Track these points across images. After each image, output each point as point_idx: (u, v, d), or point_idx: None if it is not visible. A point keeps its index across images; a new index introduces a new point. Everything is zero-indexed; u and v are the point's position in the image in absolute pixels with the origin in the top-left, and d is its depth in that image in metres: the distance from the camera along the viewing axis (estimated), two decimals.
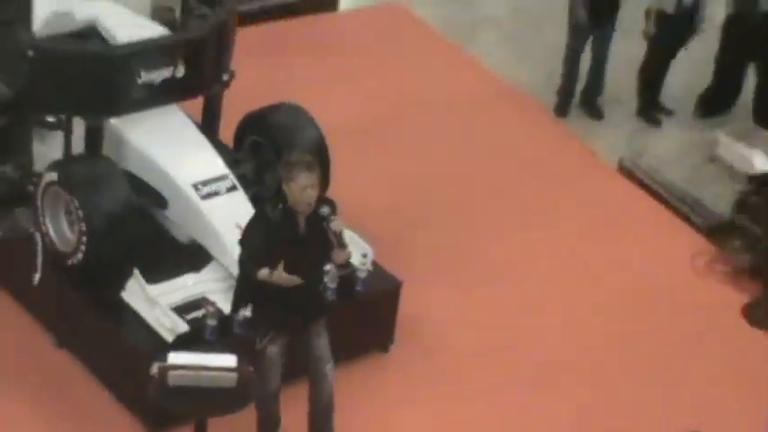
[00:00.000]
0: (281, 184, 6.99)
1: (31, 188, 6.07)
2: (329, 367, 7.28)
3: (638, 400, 8.21)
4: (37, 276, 6.37)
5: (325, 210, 6.95)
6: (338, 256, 7.02)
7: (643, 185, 10.15)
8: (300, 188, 6.90)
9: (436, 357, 8.34)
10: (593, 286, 9.11)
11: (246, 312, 7.54)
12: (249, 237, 7.13)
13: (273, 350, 7.16)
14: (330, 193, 8.51)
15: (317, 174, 6.95)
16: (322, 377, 7.30)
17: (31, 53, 5.75)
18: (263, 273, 6.95)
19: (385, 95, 10.53)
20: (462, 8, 12.21)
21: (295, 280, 6.94)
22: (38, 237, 7.16)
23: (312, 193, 6.93)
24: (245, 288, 7.24)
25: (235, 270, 7.87)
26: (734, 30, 10.88)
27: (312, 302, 7.20)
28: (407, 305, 8.26)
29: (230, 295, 7.82)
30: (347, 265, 7.43)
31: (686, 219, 9.87)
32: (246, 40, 8.88)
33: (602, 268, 9.30)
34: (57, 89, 7.31)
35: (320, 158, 8.54)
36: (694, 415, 7.89)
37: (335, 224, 6.96)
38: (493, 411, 8.06)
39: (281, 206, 6.98)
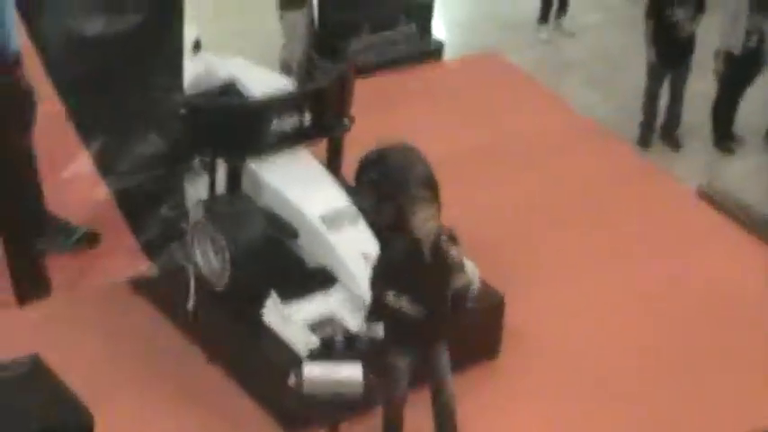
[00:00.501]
0: (405, 217, 6.98)
1: (184, 226, 6.20)
2: (449, 380, 7.23)
3: (717, 400, 8.07)
4: (191, 303, 6.48)
5: (444, 240, 6.92)
6: (459, 281, 6.97)
7: (721, 209, 10.00)
8: (422, 220, 6.88)
9: (538, 363, 8.30)
10: (677, 302, 8.93)
11: (378, 331, 7.56)
12: (380, 264, 7.14)
13: (401, 363, 7.14)
14: None
15: (437, 206, 6.94)
16: (443, 390, 7.26)
17: (183, 111, 5.90)
18: (391, 297, 6.96)
19: (485, 136, 10.50)
20: (550, 53, 12.18)
21: (418, 310, 6.92)
22: (190, 269, 7.29)
23: (433, 225, 6.91)
24: (377, 308, 7.24)
25: (358, 291, 7.95)
26: None
27: (435, 326, 7.13)
28: (510, 316, 8.25)
29: (355, 314, 7.86)
30: (466, 289, 7.30)
31: (761, 237, 9.69)
32: (363, 90, 8.93)
33: (685, 286, 9.12)
34: (204, 138, 7.44)
35: (432, 192, 8.62)
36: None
37: (456, 253, 6.92)
38: (592, 412, 7.99)
39: (405, 238, 7.00)
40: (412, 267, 6.95)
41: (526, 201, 9.77)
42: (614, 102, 11.30)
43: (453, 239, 6.95)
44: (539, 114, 11.03)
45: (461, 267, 6.94)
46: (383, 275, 7.06)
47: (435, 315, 7.05)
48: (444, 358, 7.23)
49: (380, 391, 6.94)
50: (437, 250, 6.95)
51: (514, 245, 9.07)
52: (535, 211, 9.66)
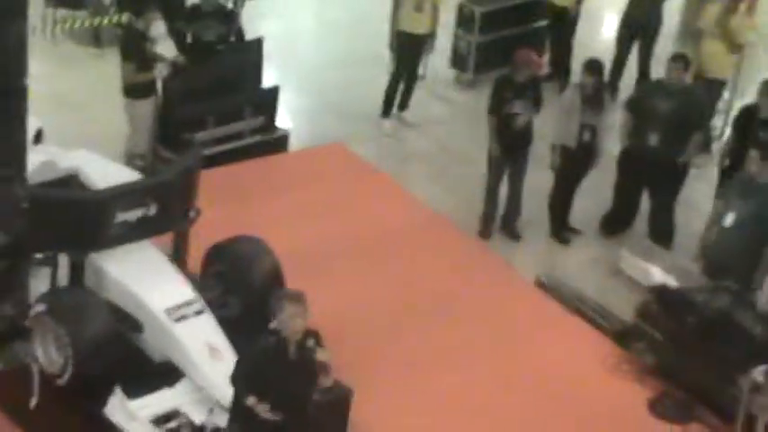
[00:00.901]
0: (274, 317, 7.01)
1: (26, 323, 6.14)
2: None
3: None
4: (34, 400, 6.39)
5: (311, 341, 6.97)
6: (324, 381, 7.03)
7: (558, 298, 10.27)
8: (289, 317, 6.92)
9: None
10: (516, 386, 9.15)
11: (218, 421, 7.55)
12: (243, 361, 7.14)
13: None
14: None
15: (304, 305, 6.98)
16: None
17: (26, 205, 5.86)
18: (251, 400, 6.95)
19: (331, 227, 10.60)
20: (394, 145, 12.39)
21: (275, 417, 6.93)
22: (34, 367, 7.20)
23: (300, 322, 6.95)
24: (236, 409, 7.18)
25: (203, 384, 7.91)
26: (628, 161, 11.12)
27: (296, 424, 7.14)
28: (358, 412, 8.29)
29: (201, 407, 7.84)
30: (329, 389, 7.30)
31: (595, 325, 9.99)
32: (209, 181, 8.98)
33: (523, 370, 9.35)
34: (47, 232, 7.38)
35: (276, 282, 8.67)
36: None
37: (322, 354, 6.98)
38: None
39: (273, 337, 7.00)
40: (277, 367, 6.98)
41: (367, 293, 9.88)
42: (456, 194, 11.53)
43: (318, 339, 7.00)
44: (383, 205, 11.19)
45: (327, 369, 6.98)
46: (245, 376, 7.06)
47: (295, 418, 7.07)
48: None
49: None
50: (302, 350, 7.00)
51: (357, 339, 9.16)
52: (376, 304, 9.77)
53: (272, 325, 7.00)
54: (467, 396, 9.04)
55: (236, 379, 7.16)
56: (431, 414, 8.80)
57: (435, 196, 11.48)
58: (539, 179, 11.16)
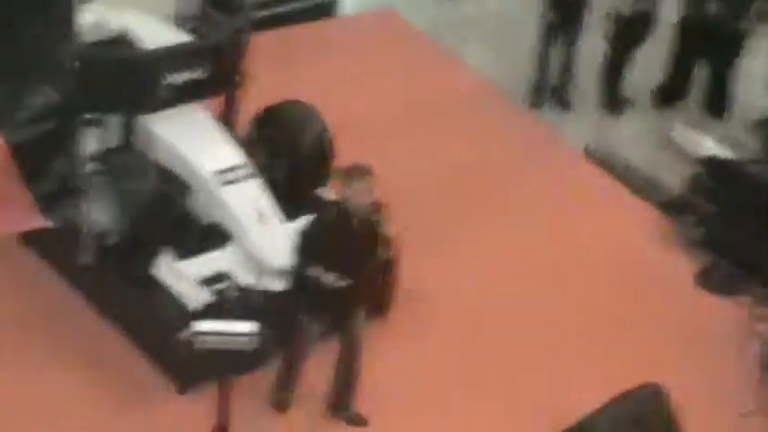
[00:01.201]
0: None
1: (78, 180, 6.22)
2: (360, 347, 7.41)
3: (604, 358, 8.32)
4: (83, 256, 6.50)
5: (376, 216, 7.03)
6: (384, 253, 7.16)
7: (607, 169, 10.25)
8: (355, 192, 6.97)
9: (427, 321, 8.47)
10: (564, 259, 9.19)
11: (265, 283, 7.66)
12: (308, 232, 7.17)
13: (314, 327, 7.27)
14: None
15: (371, 181, 7.01)
16: (354, 355, 7.42)
17: (77, 64, 5.88)
18: (316, 270, 7.03)
19: (378, 93, 10.58)
20: (446, 11, 12.27)
21: (339, 283, 7.02)
22: (84, 224, 7.29)
23: (366, 198, 6.99)
24: (299, 279, 7.24)
25: (251, 247, 8.01)
26: (685, 30, 10.97)
27: (356, 297, 7.25)
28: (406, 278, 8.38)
29: (249, 270, 7.94)
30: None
31: (644, 196, 9.98)
32: (258, 46, 8.95)
33: (570, 242, 9.38)
34: (97, 92, 7.40)
35: (324, 150, 8.69)
36: (653, 370, 8.00)
37: (386, 228, 7.08)
38: (474, 365, 8.21)
39: (336, 208, 7.04)
40: (339, 237, 7.02)
41: (416, 162, 9.89)
42: (509, 62, 11.44)
43: (383, 212, 7.06)
44: (434, 73, 11.15)
45: (389, 242, 7.02)
46: (309, 247, 7.09)
47: (356, 286, 7.16)
48: (359, 326, 7.36)
49: (274, 347, 7.02)
50: (366, 223, 7.03)
51: (404, 206, 9.18)
52: (425, 171, 9.79)
53: (338, 196, 7.02)
54: (513, 262, 9.11)
55: (300, 249, 7.18)
56: (475, 278, 8.87)
57: (487, 64, 11.41)
58: (592, 48, 11.04)
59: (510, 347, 8.36)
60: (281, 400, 7.60)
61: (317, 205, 8.25)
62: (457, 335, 8.43)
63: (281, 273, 7.92)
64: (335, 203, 7.13)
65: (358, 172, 7.03)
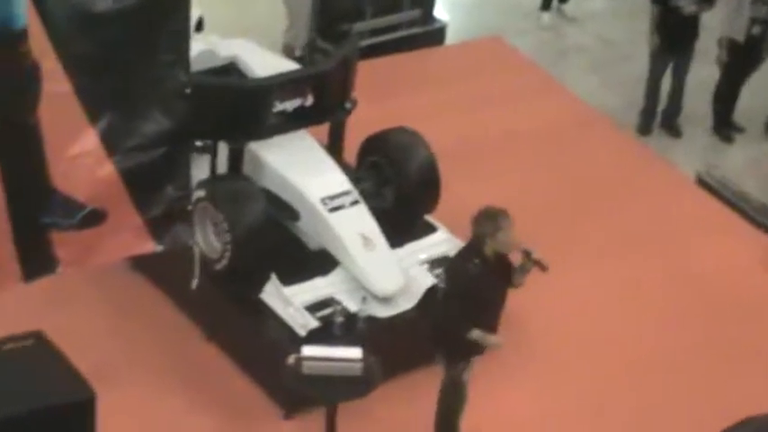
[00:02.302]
0: (475, 240, 7.03)
1: (188, 206, 6.37)
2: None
3: (716, 390, 8.22)
4: (195, 282, 6.64)
5: (529, 250, 7.02)
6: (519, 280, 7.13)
7: (718, 195, 10.14)
8: (510, 234, 6.96)
9: (531, 349, 8.45)
10: (674, 290, 9.09)
11: (371, 310, 7.71)
12: (456, 295, 7.08)
13: (466, 376, 7.26)
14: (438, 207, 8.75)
15: (511, 222, 7.00)
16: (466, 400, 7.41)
17: (188, 90, 6.03)
18: (477, 334, 6.99)
19: (484, 121, 10.62)
20: (553, 39, 12.28)
21: (501, 342, 7.06)
22: (195, 249, 7.44)
23: (514, 237, 7.01)
24: (459, 344, 7.17)
25: (357, 273, 8.07)
26: None
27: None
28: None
29: (354, 295, 8.03)
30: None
31: (758, 224, 9.84)
32: (366, 73, 9.07)
33: (682, 273, 9.28)
34: (207, 119, 7.55)
35: (431, 176, 8.75)
36: None
37: (536, 252, 7.02)
38: (583, 399, 8.16)
39: (477, 261, 6.99)
40: (489, 289, 7.03)
41: (523, 188, 9.88)
42: (615, 89, 11.42)
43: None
44: (540, 100, 11.15)
45: (542, 264, 7.03)
46: (461, 301, 7.02)
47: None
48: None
49: (380, 374, 7.04)
50: (501, 258, 7.06)
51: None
52: (532, 198, 9.76)
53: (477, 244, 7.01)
54: (621, 291, 9.04)
55: (454, 317, 7.06)
56: (581, 306, 8.84)
57: (593, 91, 11.39)
58: (703, 73, 10.96)
59: (617, 382, 8.28)
60: None
61: (425, 232, 8.34)
62: (560, 365, 8.38)
63: (387, 299, 8.01)
64: (465, 254, 7.09)
65: (502, 214, 7.01)
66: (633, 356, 8.47)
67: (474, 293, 7.01)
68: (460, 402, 7.33)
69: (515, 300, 7.65)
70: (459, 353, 7.21)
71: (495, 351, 7.26)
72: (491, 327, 7.16)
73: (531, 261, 7.02)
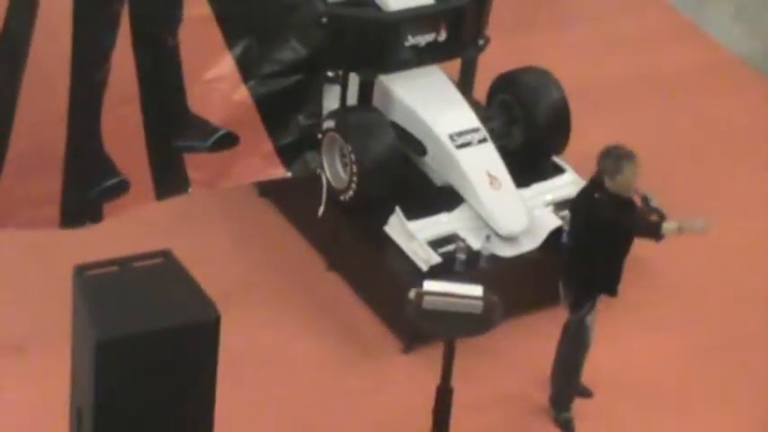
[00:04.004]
0: (597, 175, 7.05)
1: (318, 134, 6.47)
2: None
3: None
4: (321, 210, 6.74)
5: (647, 194, 7.06)
6: (692, 226, 7.02)
7: None
8: (630, 176, 6.95)
9: (656, 297, 8.39)
10: None
11: (494, 249, 7.74)
12: (581, 221, 7.15)
13: (590, 318, 7.28)
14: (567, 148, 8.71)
15: (637, 164, 6.98)
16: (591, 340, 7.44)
17: (324, 20, 6.12)
18: (674, 225, 6.94)
19: (621, 64, 10.47)
20: None
21: (710, 224, 6.99)
22: (324, 177, 7.54)
23: (635, 180, 6.99)
24: (587, 259, 7.22)
25: (482, 210, 8.11)
26: None
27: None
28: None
29: (478, 233, 8.06)
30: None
31: None
32: (499, 10, 9.00)
33: None
34: (341, 50, 7.62)
35: (561, 117, 8.71)
36: None
37: (654, 201, 7.05)
38: (701, 349, 8.08)
39: (598, 194, 7.01)
40: (606, 219, 7.00)
41: (657, 135, 9.75)
42: (759, 36, 11.14)
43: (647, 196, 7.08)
44: (679, 45, 10.93)
45: (662, 214, 7.02)
46: (587, 241, 7.09)
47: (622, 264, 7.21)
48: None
49: (501, 313, 7.09)
50: (630, 200, 7.05)
51: (647, 182, 9.11)
52: (666, 146, 9.63)
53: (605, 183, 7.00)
54: (754, 248, 8.88)
55: (580, 249, 7.15)
56: (711, 259, 8.72)
57: (737, 39, 11.13)
58: None
59: (754, 336, 8.16)
60: (566, 422, 7.56)
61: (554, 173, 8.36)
62: (692, 315, 8.30)
63: (510, 239, 8.03)
64: (596, 184, 7.08)
65: (626, 155, 6.99)
66: (761, 313, 8.33)
67: (597, 225, 7.00)
68: (584, 346, 7.35)
69: (648, 249, 7.64)
70: (586, 293, 7.21)
71: (620, 296, 7.22)
72: (616, 270, 7.15)
73: (649, 208, 6.97)
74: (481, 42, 8.70)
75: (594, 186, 7.09)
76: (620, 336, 8.03)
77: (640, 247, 7.40)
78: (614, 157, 6.97)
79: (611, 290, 7.24)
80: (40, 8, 5.59)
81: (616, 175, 6.95)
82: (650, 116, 9.93)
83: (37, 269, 8.04)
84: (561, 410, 7.53)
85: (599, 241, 7.06)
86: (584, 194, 7.24)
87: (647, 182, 7.28)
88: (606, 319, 7.62)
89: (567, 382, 7.47)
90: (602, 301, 7.41)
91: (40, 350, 7.53)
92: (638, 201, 7.14)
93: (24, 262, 8.10)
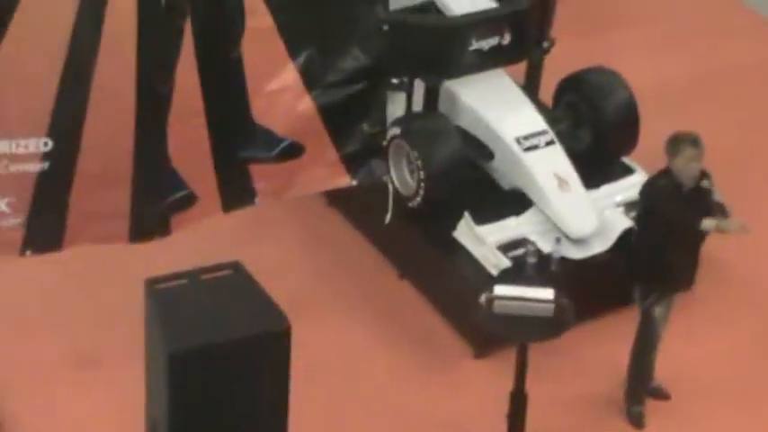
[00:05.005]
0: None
1: (384, 142, 6.49)
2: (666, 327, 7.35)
3: None
4: (388, 217, 6.76)
5: (705, 183, 6.90)
6: (733, 226, 6.89)
7: None
8: (686, 161, 6.87)
9: (731, 293, 8.29)
10: None
11: (564, 251, 7.72)
12: (661, 201, 7.01)
13: (658, 310, 7.22)
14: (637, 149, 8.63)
15: (702, 149, 6.90)
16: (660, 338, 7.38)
17: (386, 27, 6.13)
18: (710, 223, 6.84)
19: (688, 60, 10.38)
20: None
21: (746, 227, 6.87)
22: (390, 184, 7.57)
23: (696, 167, 6.89)
24: (648, 248, 7.20)
25: (551, 214, 8.07)
26: None
27: (692, 264, 7.22)
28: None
29: (547, 236, 8.00)
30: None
31: None
32: (564, 11, 8.97)
33: None
34: (405, 56, 7.63)
35: (630, 117, 8.63)
36: None
37: (717, 195, 6.90)
38: None
39: (664, 181, 6.96)
40: (674, 205, 6.91)
41: (726, 131, 9.61)
42: None
43: (710, 180, 6.95)
44: (745, 40, 10.81)
45: (725, 212, 6.89)
46: (670, 205, 6.99)
47: (695, 256, 7.14)
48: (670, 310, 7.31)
49: (572, 316, 7.05)
50: (696, 195, 6.94)
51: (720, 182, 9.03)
52: (735, 142, 9.49)
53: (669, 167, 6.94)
54: None
55: (647, 237, 7.09)
56: None
57: None
58: None
59: None
60: (636, 415, 7.51)
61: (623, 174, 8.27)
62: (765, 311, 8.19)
63: (581, 241, 7.97)
64: (665, 171, 7.02)
65: (688, 138, 6.91)
66: None
67: (651, 210, 6.92)
68: (652, 338, 7.28)
69: (719, 244, 7.54)
70: (652, 283, 7.15)
71: (694, 293, 7.10)
72: (687, 260, 7.10)
73: (706, 180, 6.85)
74: (546, 44, 8.65)
75: (663, 174, 7.02)
76: (695, 333, 7.94)
77: (714, 244, 7.31)
78: (675, 139, 6.93)
79: (674, 282, 7.16)
80: (104, 24, 5.65)
81: (674, 158, 6.88)
82: (721, 114, 9.78)
83: (109, 283, 8.12)
84: (633, 404, 7.48)
85: (656, 229, 6.98)
86: (650, 180, 7.20)
87: (716, 180, 7.20)
88: (680, 315, 7.55)
89: (636, 375, 7.41)
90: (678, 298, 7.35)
91: (115, 363, 7.60)
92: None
93: (96, 276, 8.19)
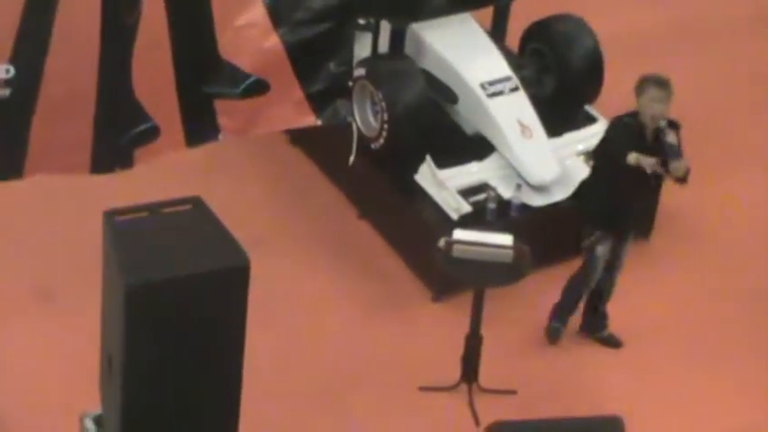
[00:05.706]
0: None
1: (349, 82, 6.46)
2: (620, 273, 7.43)
3: None
4: (352, 158, 6.75)
5: (662, 123, 6.88)
6: (675, 168, 6.85)
7: None
8: (648, 100, 6.87)
9: (687, 246, 8.36)
10: None
11: (525, 198, 7.74)
12: (613, 134, 7.08)
13: (601, 249, 7.25)
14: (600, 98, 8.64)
15: (668, 91, 6.88)
16: (614, 281, 7.47)
17: None
18: (633, 156, 6.83)
19: (657, 12, 10.31)
20: None
21: (657, 165, 6.85)
22: (354, 125, 7.55)
23: (658, 107, 6.86)
24: (596, 185, 7.28)
25: (512, 160, 8.09)
26: None
27: (642, 210, 7.27)
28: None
29: (508, 182, 8.04)
30: (684, 178, 6.99)
31: None
32: None
33: None
34: None
35: (594, 65, 8.64)
36: None
37: (670, 136, 6.85)
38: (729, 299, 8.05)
39: (628, 118, 6.98)
40: (634, 147, 6.90)
41: (694, 85, 9.59)
42: None
43: (673, 126, 6.93)
44: None
45: (677, 154, 6.86)
46: (617, 139, 7.01)
47: (644, 197, 7.18)
48: (626, 251, 7.37)
49: (531, 262, 7.09)
50: (658, 134, 6.94)
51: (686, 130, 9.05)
52: (704, 96, 9.48)
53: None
54: None
55: (607, 151, 7.06)
56: (746, 209, 8.67)
57: None
58: None
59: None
60: (554, 330, 7.62)
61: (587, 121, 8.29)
62: (725, 271, 8.24)
63: (541, 188, 8.01)
64: (631, 113, 7.03)
65: (653, 79, 6.92)
66: None
67: (606, 142, 7.00)
68: (590, 275, 7.34)
69: (681, 199, 7.55)
70: (595, 221, 7.21)
71: (651, 243, 7.11)
72: (636, 204, 7.15)
73: (660, 142, 6.85)
74: None
75: (630, 113, 7.04)
76: (650, 283, 8.01)
77: (676, 197, 7.32)
78: (642, 79, 6.94)
79: (618, 224, 7.19)
80: None
81: (639, 97, 6.90)
82: (691, 69, 9.72)
83: (67, 215, 8.08)
84: (554, 320, 7.59)
85: (606, 168, 7.04)
86: (617, 116, 7.19)
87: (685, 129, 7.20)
88: (637, 265, 7.61)
89: (564, 300, 7.52)
90: (635, 248, 7.42)
91: (71, 296, 7.58)
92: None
93: (55, 208, 8.14)
